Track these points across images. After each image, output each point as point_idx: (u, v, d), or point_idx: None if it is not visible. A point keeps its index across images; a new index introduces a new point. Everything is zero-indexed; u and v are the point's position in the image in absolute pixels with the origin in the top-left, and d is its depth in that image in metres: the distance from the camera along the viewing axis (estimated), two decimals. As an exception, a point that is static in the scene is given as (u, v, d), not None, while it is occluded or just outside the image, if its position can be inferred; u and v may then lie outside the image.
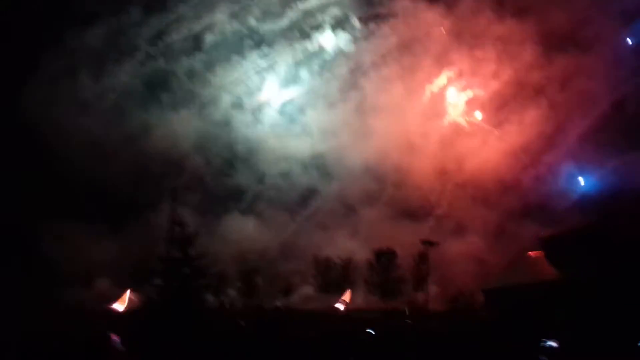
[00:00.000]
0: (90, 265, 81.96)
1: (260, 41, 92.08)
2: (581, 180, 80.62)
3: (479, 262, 75.10)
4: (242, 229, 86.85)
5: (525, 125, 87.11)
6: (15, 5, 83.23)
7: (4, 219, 75.97)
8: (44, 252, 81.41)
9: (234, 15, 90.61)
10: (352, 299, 75.01)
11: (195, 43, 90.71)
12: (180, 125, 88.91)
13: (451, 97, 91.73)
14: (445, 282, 72.21)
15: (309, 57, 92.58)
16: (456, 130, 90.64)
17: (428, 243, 50.64)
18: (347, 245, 79.45)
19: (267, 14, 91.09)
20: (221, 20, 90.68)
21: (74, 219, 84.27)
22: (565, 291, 42.94)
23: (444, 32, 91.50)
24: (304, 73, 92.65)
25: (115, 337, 42.02)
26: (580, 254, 43.68)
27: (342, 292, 74.61)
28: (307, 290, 76.93)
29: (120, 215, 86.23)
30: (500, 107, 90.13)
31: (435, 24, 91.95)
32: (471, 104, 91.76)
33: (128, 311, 57.32)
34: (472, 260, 75.92)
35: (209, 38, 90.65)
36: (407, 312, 49.80)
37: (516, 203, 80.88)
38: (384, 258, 71.22)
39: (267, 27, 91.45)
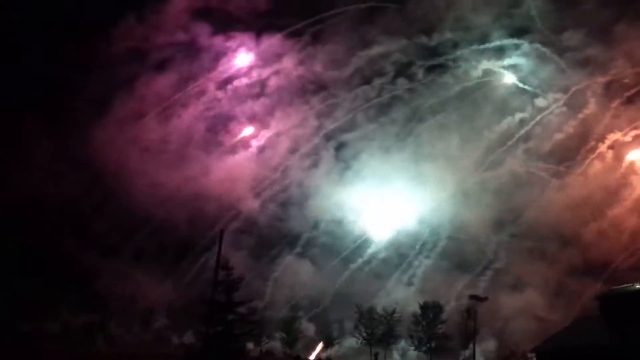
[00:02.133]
0: (146, 305, 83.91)
1: (322, 86, 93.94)
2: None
3: (536, 320, 72.04)
4: (294, 275, 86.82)
5: (588, 177, 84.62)
6: (91, 48, 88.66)
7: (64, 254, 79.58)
8: (102, 290, 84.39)
9: (300, 62, 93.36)
10: (398, 353, 72.73)
11: (261, 87, 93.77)
12: (238, 169, 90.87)
13: (512, 145, 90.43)
14: (498, 339, 69.42)
15: (369, 102, 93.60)
16: (515, 180, 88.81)
17: (476, 298, 48.39)
18: (397, 296, 77.88)
19: (333, 61, 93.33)
20: (287, 66, 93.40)
21: (133, 259, 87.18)
22: (622, 356, 40.06)
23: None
24: (361, 118, 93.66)
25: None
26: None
27: (387, 345, 72.64)
28: (351, 341, 75.25)
29: (179, 256, 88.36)
30: (562, 158, 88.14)
31: (494, 73, 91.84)
32: (531, 154, 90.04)
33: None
34: (529, 317, 72.82)
35: (273, 82, 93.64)
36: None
37: (578, 258, 77.85)
38: (430, 312, 68.86)
39: (331, 73, 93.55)
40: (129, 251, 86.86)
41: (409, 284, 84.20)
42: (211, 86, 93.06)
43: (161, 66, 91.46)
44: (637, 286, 43.58)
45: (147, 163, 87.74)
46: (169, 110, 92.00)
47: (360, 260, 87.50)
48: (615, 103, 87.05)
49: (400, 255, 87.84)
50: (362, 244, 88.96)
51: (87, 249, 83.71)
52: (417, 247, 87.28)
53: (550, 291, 77.37)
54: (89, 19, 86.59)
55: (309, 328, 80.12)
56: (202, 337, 43.15)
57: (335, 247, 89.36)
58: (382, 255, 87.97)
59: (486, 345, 64.98)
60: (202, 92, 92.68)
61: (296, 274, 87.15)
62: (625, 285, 45.43)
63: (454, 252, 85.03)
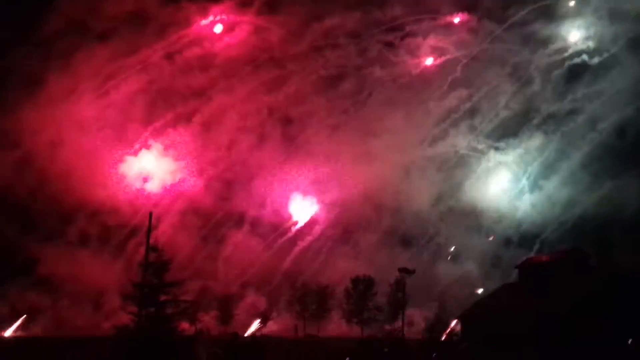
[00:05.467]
0: (97, 287, 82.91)
1: (273, 58, 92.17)
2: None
3: (475, 289, 74.58)
4: (243, 254, 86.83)
5: (527, 151, 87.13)
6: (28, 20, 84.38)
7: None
8: (49, 274, 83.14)
9: (252, 32, 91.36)
10: (330, 326, 74.43)
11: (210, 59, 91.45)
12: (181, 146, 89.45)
13: (456, 121, 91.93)
14: (440, 307, 71.68)
15: (319, 76, 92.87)
16: (457, 155, 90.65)
17: (405, 271, 49.92)
18: (343, 272, 78.87)
19: (285, 32, 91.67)
20: (238, 37, 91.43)
21: (77, 243, 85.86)
22: (540, 320, 42.31)
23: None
24: (311, 93, 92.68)
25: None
26: (555, 281, 43.07)
27: (320, 320, 74.31)
28: (285, 317, 76.53)
29: (125, 238, 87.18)
30: (504, 132, 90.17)
31: (443, 49, 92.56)
32: (474, 128, 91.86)
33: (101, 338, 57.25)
34: (468, 286, 75.25)
35: (223, 54, 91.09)
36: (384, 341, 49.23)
37: (512, 230, 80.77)
38: (361, 285, 70.48)
39: (283, 45, 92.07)
40: (72, 234, 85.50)
41: (356, 259, 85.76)
42: (156, 58, 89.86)
43: (103, 38, 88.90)
44: (549, 255, 45.88)
45: (84, 141, 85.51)
46: (108, 84, 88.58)
47: (308, 238, 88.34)
48: (555, 75, 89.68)
49: (347, 231, 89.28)
50: (310, 221, 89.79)
51: (26, 233, 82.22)
52: (363, 223, 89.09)
53: (486, 262, 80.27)
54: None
55: (261, 304, 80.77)
56: (133, 319, 42.89)
57: (282, 225, 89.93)
58: (329, 232, 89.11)
59: (418, 315, 67.26)
60: (146, 65, 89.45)
61: (245, 252, 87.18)
62: (541, 254, 47.81)
63: (398, 227, 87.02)
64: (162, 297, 43.45)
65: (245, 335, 65.15)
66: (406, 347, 48.33)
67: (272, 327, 75.57)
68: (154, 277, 43.67)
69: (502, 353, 43.38)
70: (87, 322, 78.99)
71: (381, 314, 70.22)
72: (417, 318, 69.52)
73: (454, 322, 53.85)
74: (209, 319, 72.83)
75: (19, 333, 76.12)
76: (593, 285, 41.66)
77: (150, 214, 46.98)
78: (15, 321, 77.88)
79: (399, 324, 53.83)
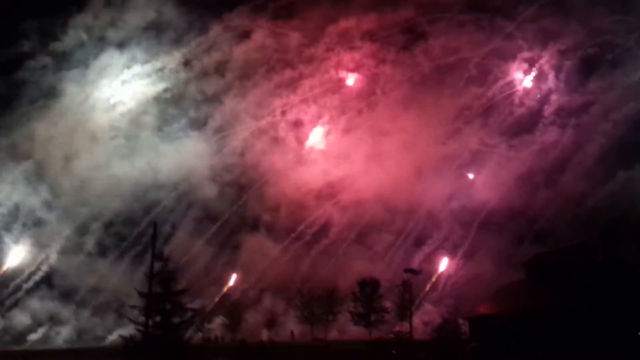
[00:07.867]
0: (118, 296, 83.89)
1: (285, 61, 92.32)
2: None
3: (488, 287, 73.58)
4: (260, 259, 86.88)
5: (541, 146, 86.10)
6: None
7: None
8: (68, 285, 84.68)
9: (267, 37, 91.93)
10: (337, 330, 74.53)
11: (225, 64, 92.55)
12: (195, 153, 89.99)
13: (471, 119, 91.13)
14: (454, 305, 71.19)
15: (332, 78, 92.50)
16: (471, 153, 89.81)
17: (411, 272, 49.65)
18: (351, 274, 78.27)
19: (300, 35, 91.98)
20: (253, 42, 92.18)
21: (96, 253, 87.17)
22: (546, 317, 41.82)
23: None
24: (324, 94, 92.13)
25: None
26: (561, 277, 42.41)
27: (326, 324, 74.21)
28: (292, 322, 76.49)
29: (144, 247, 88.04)
30: (519, 130, 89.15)
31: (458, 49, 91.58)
32: (489, 126, 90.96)
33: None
34: (482, 284, 74.25)
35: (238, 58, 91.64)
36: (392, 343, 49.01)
37: (526, 228, 79.89)
38: (368, 288, 70.14)
39: (298, 48, 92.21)
40: (89, 245, 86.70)
41: (372, 260, 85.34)
42: (174, 65, 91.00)
43: (121, 47, 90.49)
44: (555, 251, 45.10)
45: (97, 152, 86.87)
46: (124, 93, 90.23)
47: (324, 241, 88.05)
48: (567, 68, 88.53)
49: (360, 233, 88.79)
50: (325, 224, 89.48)
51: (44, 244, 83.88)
52: (377, 224, 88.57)
53: (500, 260, 79.17)
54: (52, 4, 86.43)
55: (277, 309, 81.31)
56: (140, 329, 43.34)
57: (298, 229, 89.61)
58: (343, 234, 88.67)
59: (427, 315, 66.93)
60: (164, 72, 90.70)
61: (262, 258, 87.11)
62: (547, 250, 47.07)
63: (411, 227, 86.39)
64: (168, 306, 44.03)
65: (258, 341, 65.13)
66: (414, 348, 48.05)
67: (289, 331, 75.79)
68: (160, 287, 44.25)
69: (509, 352, 42.94)
70: (108, 332, 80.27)
71: (389, 315, 69.91)
72: (433, 316, 69.03)
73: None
74: (220, 326, 73.44)
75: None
76: (600, 281, 40.91)
77: (155, 224, 47.12)
78: (36, 332, 79.76)
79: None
